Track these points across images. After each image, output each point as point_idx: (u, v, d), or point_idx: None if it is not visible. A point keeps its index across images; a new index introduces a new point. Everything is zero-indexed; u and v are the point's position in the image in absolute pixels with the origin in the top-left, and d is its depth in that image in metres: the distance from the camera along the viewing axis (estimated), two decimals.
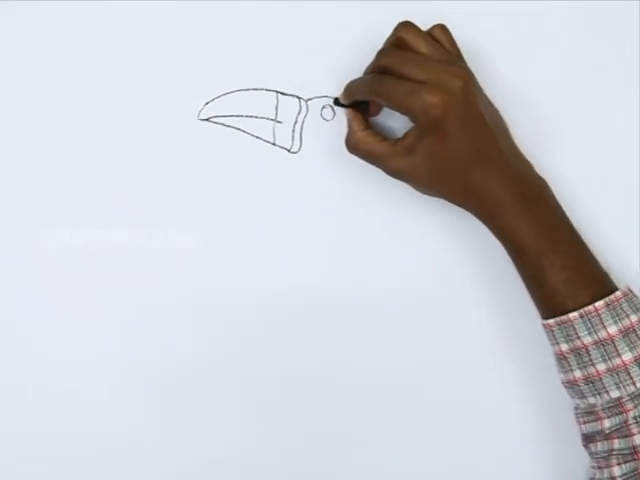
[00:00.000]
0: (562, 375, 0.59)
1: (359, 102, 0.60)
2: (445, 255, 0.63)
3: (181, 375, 0.63)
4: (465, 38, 0.61)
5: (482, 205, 0.58)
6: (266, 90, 0.62)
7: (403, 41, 0.58)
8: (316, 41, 0.62)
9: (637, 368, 0.55)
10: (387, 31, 0.62)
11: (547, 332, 0.58)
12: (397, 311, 0.63)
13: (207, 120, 0.62)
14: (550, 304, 0.57)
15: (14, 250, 0.62)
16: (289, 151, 0.62)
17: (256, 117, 0.62)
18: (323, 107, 0.62)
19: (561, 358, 0.58)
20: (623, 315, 0.56)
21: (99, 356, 0.63)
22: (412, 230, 0.63)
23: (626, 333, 0.55)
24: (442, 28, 0.59)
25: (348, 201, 0.63)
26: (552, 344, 0.58)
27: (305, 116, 0.62)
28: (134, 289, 0.62)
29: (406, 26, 0.58)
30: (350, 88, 0.60)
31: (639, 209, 0.63)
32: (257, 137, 0.62)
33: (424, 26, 0.60)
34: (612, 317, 0.55)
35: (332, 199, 0.63)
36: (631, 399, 0.56)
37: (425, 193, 0.60)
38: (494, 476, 0.64)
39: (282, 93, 0.62)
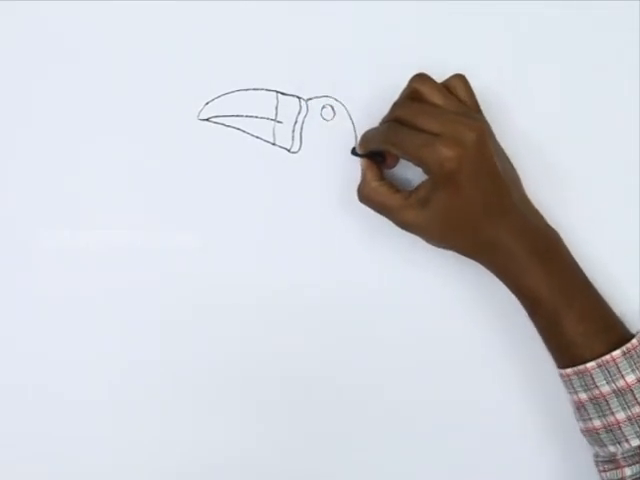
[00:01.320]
0: (581, 424, 0.58)
1: (375, 153, 0.60)
2: (446, 254, 0.63)
3: (181, 375, 0.63)
4: (465, 40, 0.61)
5: (495, 259, 0.58)
6: (266, 90, 0.62)
7: (418, 93, 0.57)
8: (316, 41, 0.62)
9: None
10: (386, 32, 0.62)
11: (565, 381, 0.58)
12: (397, 311, 0.63)
13: (207, 120, 0.62)
14: (567, 355, 0.57)
15: (14, 250, 0.62)
16: (289, 151, 0.62)
17: (256, 117, 0.62)
18: (323, 107, 0.62)
19: (580, 407, 0.57)
20: None
21: (99, 356, 0.63)
22: None
23: None
24: (460, 78, 0.58)
25: (348, 201, 0.63)
26: (570, 393, 0.58)
27: (305, 116, 0.62)
28: (134, 289, 0.62)
29: (421, 78, 0.58)
30: (365, 137, 0.60)
31: None
32: (257, 137, 0.62)
33: (424, 27, 0.60)
34: (630, 365, 0.55)
35: (332, 199, 0.63)
36: None
37: (436, 246, 0.59)
38: (494, 476, 0.64)
39: (282, 93, 0.62)
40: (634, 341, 0.56)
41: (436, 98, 0.57)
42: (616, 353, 0.55)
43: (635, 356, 0.55)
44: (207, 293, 0.63)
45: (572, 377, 0.57)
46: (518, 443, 0.64)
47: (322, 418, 0.64)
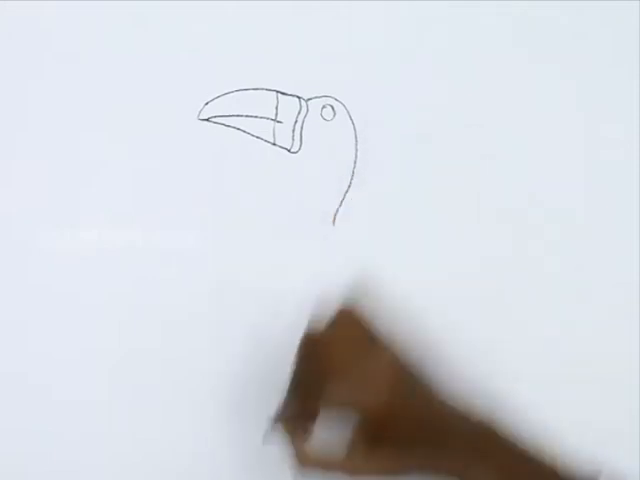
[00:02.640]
0: None
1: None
2: (443, 255, 0.63)
3: (181, 375, 0.63)
4: (464, 40, 0.61)
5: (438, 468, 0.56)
6: (266, 90, 0.62)
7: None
8: (316, 41, 0.62)
9: None
10: (387, 31, 0.62)
11: None
12: (398, 309, 0.63)
13: (207, 120, 0.62)
14: None
15: (14, 250, 0.62)
16: (289, 151, 0.63)
17: (256, 117, 0.62)
18: (323, 107, 0.62)
19: None
20: None
21: (98, 356, 0.62)
22: (414, 228, 0.63)
23: None
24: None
25: (348, 201, 0.63)
26: None
27: (305, 116, 0.62)
28: (134, 289, 0.62)
29: None
30: None
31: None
32: (257, 137, 0.62)
33: (424, 27, 0.60)
34: None
35: (332, 199, 0.63)
36: None
37: None
38: None
39: (282, 93, 0.62)
40: None
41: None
42: None
43: None
44: (207, 293, 0.63)
45: None
46: None
47: None
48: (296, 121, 0.62)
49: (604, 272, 0.63)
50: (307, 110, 0.62)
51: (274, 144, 0.62)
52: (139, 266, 0.62)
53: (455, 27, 0.62)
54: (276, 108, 0.62)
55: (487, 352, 0.64)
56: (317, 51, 0.62)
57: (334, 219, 0.62)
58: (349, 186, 0.62)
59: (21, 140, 0.62)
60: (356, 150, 0.62)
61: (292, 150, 0.62)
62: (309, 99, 0.62)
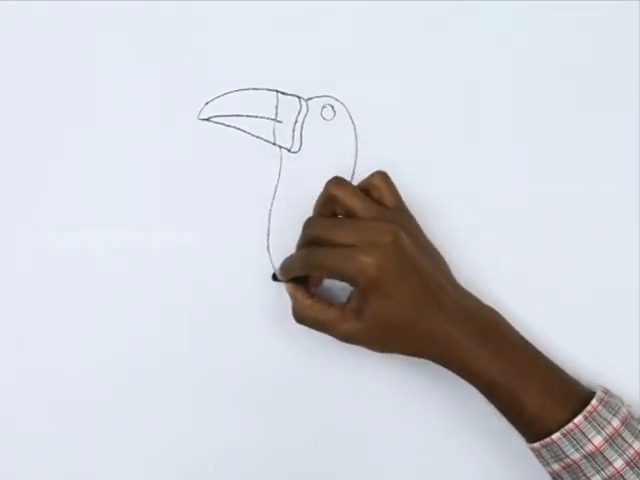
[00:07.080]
0: None
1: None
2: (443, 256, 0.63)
3: (181, 375, 0.63)
4: (464, 40, 0.61)
5: (439, 352, 0.56)
6: (266, 90, 0.62)
7: (334, 198, 0.57)
8: (316, 41, 0.62)
9: (631, 472, 0.54)
10: (386, 31, 0.62)
11: (536, 455, 0.57)
12: None
13: (207, 120, 0.62)
14: (531, 430, 0.56)
15: (14, 251, 0.62)
16: (289, 151, 0.62)
17: (256, 117, 0.62)
18: (323, 107, 0.62)
19: (556, 477, 0.57)
20: (604, 423, 0.55)
21: (99, 357, 0.63)
22: None
23: (612, 440, 0.54)
24: (381, 175, 0.58)
25: None
26: (543, 465, 0.58)
27: (305, 116, 0.62)
28: (134, 289, 0.62)
29: (338, 183, 0.57)
30: (285, 267, 0.59)
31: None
32: (257, 137, 0.62)
33: (424, 27, 0.60)
34: (594, 428, 0.54)
35: None
36: None
37: (380, 352, 0.58)
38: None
39: (282, 93, 0.62)
40: (594, 402, 0.55)
41: (354, 202, 0.56)
42: (578, 419, 0.54)
43: (598, 417, 0.55)
44: (207, 293, 0.63)
45: (541, 450, 0.56)
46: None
47: (323, 418, 0.64)
48: (296, 121, 0.62)
49: (604, 273, 0.63)
50: (307, 110, 0.62)
51: (274, 144, 0.62)
52: (139, 266, 0.62)
53: (456, 27, 0.62)
54: (276, 108, 0.62)
55: None
56: (317, 51, 0.62)
57: None
58: None
59: (21, 140, 0.62)
60: (356, 150, 0.62)
61: (292, 150, 0.62)
62: (309, 99, 0.62)
